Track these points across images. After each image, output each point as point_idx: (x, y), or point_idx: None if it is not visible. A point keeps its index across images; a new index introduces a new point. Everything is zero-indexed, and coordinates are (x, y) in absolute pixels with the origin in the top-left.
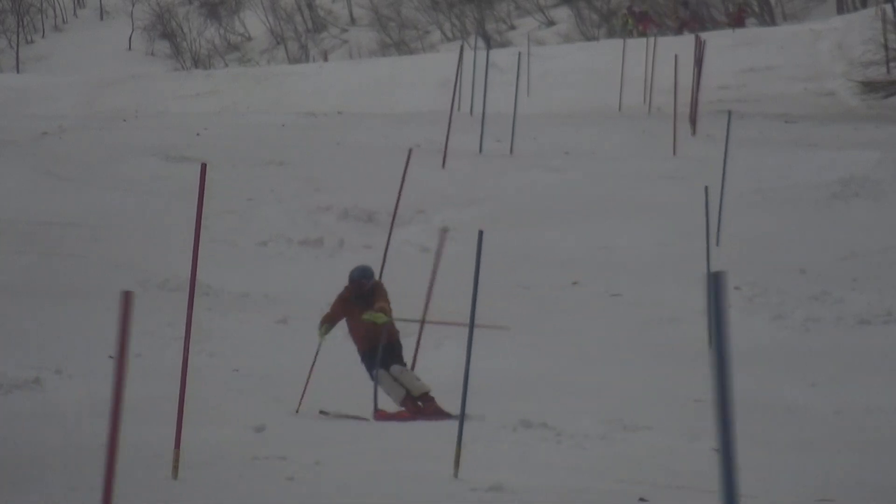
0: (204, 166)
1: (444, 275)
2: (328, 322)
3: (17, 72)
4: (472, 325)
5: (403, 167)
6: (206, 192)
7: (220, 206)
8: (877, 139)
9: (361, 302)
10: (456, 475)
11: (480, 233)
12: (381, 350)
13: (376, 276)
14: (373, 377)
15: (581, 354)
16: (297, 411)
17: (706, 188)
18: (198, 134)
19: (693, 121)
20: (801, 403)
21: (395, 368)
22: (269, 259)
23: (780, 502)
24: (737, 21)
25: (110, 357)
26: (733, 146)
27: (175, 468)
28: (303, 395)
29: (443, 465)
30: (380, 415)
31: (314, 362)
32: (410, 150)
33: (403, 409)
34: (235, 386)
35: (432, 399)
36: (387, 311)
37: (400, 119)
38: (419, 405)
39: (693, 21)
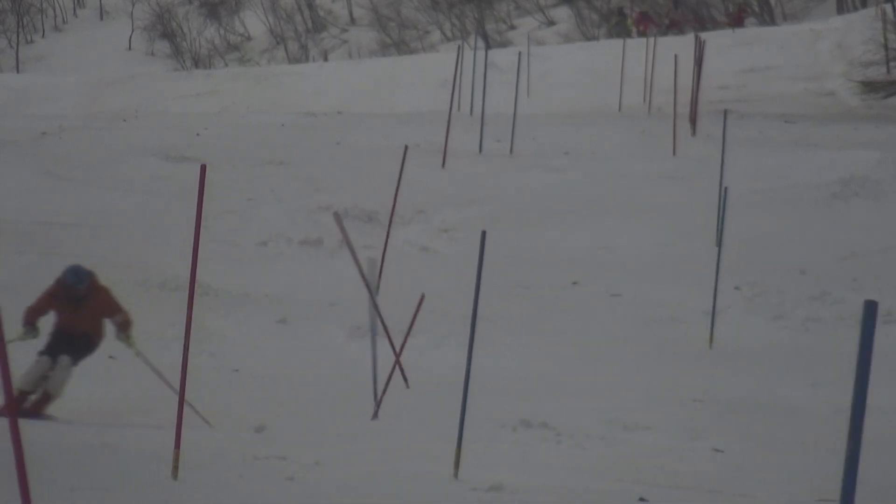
0: (204, 167)
1: (445, 275)
2: (33, 321)
3: (17, 72)
4: (473, 331)
5: (402, 166)
6: (206, 192)
7: (220, 206)
8: (877, 139)
9: (71, 304)
10: (456, 475)
11: (483, 233)
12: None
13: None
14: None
15: (581, 354)
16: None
17: (720, 184)
18: (198, 134)
19: (693, 121)
20: (801, 403)
21: (61, 359)
22: (269, 259)
23: (780, 502)
24: (737, 21)
25: (111, 357)
26: (734, 146)
27: (175, 468)
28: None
29: (443, 465)
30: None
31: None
32: (406, 148)
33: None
34: (235, 386)
35: (46, 401)
36: (129, 324)
37: (400, 119)
38: (29, 398)
39: (683, 20)
